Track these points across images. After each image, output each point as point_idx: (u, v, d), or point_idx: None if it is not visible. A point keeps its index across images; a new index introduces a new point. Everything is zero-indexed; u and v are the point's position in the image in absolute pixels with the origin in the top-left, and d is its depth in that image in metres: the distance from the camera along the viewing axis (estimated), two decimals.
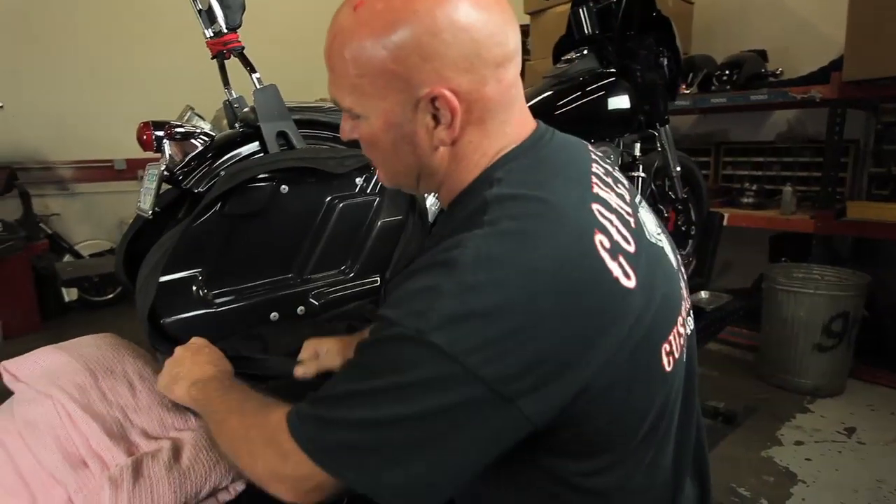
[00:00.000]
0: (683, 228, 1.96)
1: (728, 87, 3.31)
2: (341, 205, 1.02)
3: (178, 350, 0.90)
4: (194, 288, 0.90)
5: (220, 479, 0.94)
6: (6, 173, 3.70)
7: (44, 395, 0.98)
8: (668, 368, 0.62)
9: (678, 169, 1.86)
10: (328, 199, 1.01)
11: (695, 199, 2.06)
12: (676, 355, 0.64)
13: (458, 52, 0.55)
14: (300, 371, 0.91)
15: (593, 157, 0.70)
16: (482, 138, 0.61)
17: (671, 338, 0.63)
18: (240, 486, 0.97)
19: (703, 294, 2.02)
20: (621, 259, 0.57)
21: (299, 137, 1.03)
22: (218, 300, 0.92)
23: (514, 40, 0.60)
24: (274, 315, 0.97)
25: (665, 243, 0.70)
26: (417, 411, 0.51)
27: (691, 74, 3.55)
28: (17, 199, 3.75)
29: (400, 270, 1.09)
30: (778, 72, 3.36)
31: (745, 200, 3.39)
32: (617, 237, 0.58)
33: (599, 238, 0.56)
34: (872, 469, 2.12)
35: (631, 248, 0.59)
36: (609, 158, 0.76)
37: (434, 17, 0.54)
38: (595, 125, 1.58)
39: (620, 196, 0.65)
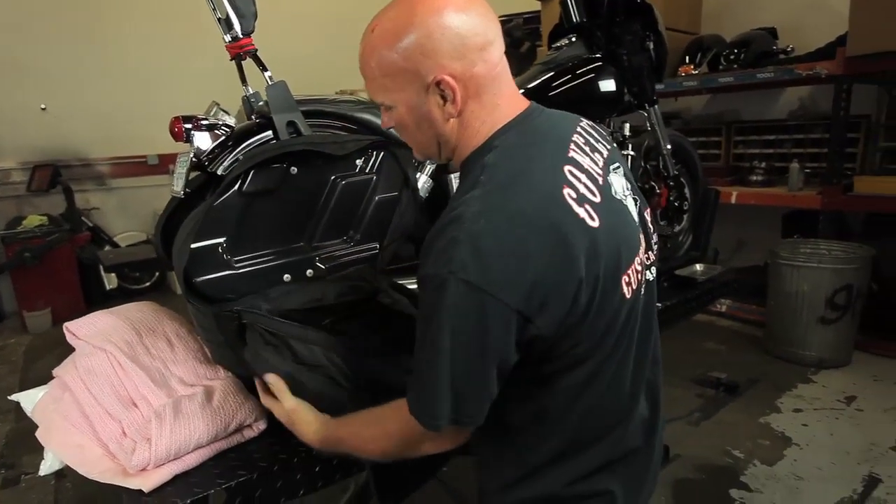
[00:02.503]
0: (677, 204, 2.05)
1: (735, 66, 3.34)
2: (343, 183, 1.17)
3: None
4: (219, 253, 1.07)
5: (245, 417, 1.12)
6: (51, 170, 3.98)
7: (99, 349, 1.17)
8: (627, 295, 0.79)
9: (668, 147, 1.95)
10: (332, 178, 1.16)
11: (689, 175, 2.14)
12: (633, 287, 0.81)
13: (449, 46, 0.73)
14: None
15: (579, 129, 0.86)
16: (480, 108, 0.78)
17: (629, 272, 0.80)
18: (262, 425, 1.15)
19: (698, 267, 2.11)
20: (587, 206, 0.74)
21: (306, 126, 1.18)
22: (239, 263, 1.09)
23: (493, 31, 0.77)
24: (286, 276, 1.13)
25: (629, 202, 0.86)
26: (475, 340, 0.69)
27: (699, 54, 3.59)
28: (60, 195, 4.04)
29: (396, 238, 1.24)
30: (789, 49, 3.34)
31: (754, 178, 3.42)
32: (584, 190, 0.75)
33: (567, 191, 0.73)
34: (867, 433, 2.20)
35: (596, 199, 0.76)
36: (603, 133, 0.92)
37: (427, 24, 0.73)
38: (582, 108, 1.67)
39: (594, 161, 0.82)
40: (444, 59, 0.73)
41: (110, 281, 4.23)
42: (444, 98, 0.76)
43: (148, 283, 4.48)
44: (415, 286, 1.38)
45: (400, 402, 0.79)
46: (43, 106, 4.15)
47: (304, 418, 0.98)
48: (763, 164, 3.46)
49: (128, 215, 4.60)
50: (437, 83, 0.74)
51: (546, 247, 0.69)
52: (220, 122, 1.19)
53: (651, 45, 1.78)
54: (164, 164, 4.56)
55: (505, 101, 0.80)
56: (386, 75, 0.76)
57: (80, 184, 4.29)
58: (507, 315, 0.68)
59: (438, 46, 0.73)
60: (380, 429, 0.85)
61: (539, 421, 0.81)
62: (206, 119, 1.17)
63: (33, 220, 3.88)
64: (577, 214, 0.72)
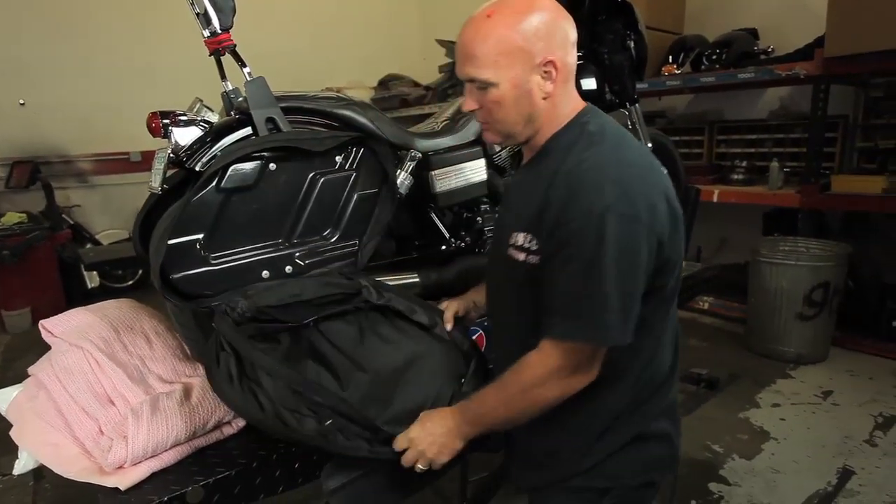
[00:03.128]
0: None
1: (717, 66, 3.38)
2: (322, 180, 1.18)
3: (416, 432, 0.97)
4: (197, 249, 1.07)
5: (224, 414, 1.12)
6: (30, 167, 3.91)
7: (75, 346, 1.15)
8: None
9: (649, 145, 1.96)
10: (311, 174, 1.16)
11: (670, 173, 2.15)
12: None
13: (558, 35, 0.89)
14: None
15: None
16: (564, 93, 0.94)
17: None
18: (242, 422, 1.15)
19: None
20: (663, 168, 0.94)
21: (285, 122, 1.18)
22: (216, 260, 1.08)
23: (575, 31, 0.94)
24: (265, 273, 1.13)
25: None
26: (632, 262, 0.83)
27: (682, 54, 3.63)
28: (40, 192, 3.96)
29: (375, 234, 1.25)
30: (769, 49, 3.39)
31: (736, 177, 3.46)
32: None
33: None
34: (842, 427, 2.25)
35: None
36: None
37: (544, 14, 0.87)
38: None
39: None
40: (552, 45, 0.88)
41: (92, 279, 4.17)
42: (544, 78, 0.89)
43: (131, 282, 4.43)
44: (397, 282, 1.39)
45: (540, 351, 0.89)
46: (22, 101, 4.08)
47: (434, 419, 0.98)
48: (744, 163, 3.51)
49: (110, 213, 4.53)
50: (545, 63, 0.88)
51: (661, 189, 0.87)
52: (199, 118, 1.18)
53: (632, 45, 1.80)
54: (148, 161, 4.40)
55: (574, 94, 0.96)
56: (501, 53, 0.87)
57: (60, 181, 4.23)
58: (652, 240, 0.84)
59: (551, 33, 0.88)
60: (528, 374, 0.90)
61: (635, 358, 0.93)
62: (184, 115, 1.16)
63: (12, 218, 3.81)
64: (663, 172, 0.92)
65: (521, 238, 0.94)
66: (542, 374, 0.89)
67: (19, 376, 1.23)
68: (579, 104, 0.96)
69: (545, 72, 0.89)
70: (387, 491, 1.03)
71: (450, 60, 4.59)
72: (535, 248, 0.92)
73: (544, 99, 0.91)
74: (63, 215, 4.12)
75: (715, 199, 3.30)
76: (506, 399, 0.93)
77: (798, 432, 2.23)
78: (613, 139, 0.91)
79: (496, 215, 1.10)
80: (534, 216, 0.91)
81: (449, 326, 1.18)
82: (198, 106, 1.21)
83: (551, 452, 1.00)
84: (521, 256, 0.94)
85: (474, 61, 0.89)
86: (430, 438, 0.96)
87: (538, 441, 1.01)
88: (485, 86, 0.90)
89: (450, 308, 1.21)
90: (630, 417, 0.96)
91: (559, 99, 0.93)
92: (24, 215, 3.88)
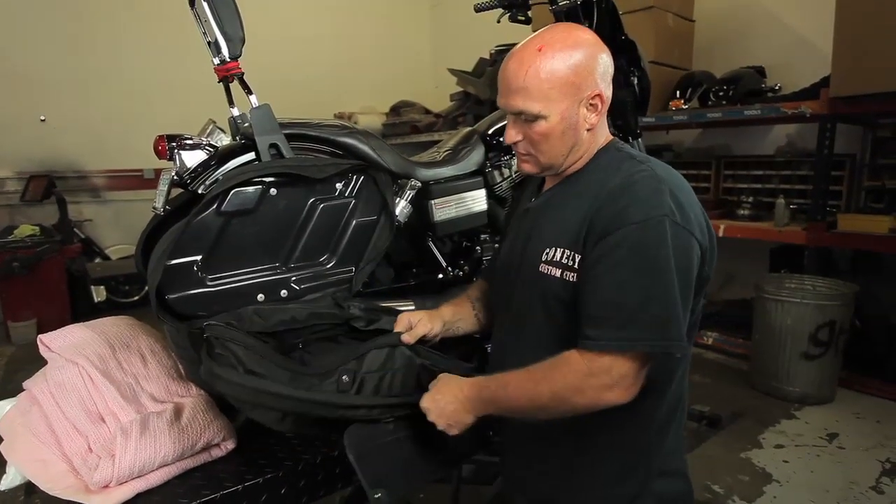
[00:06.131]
0: None
1: (724, 102, 3.41)
2: (322, 206, 1.20)
3: (428, 402, 0.99)
4: (194, 270, 1.09)
5: (213, 436, 1.12)
6: (45, 181, 4.00)
7: (71, 362, 1.16)
8: None
9: None
10: (310, 200, 1.19)
11: None
12: None
13: (603, 69, 0.93)
14: (407, 338, 1.11)
15: None
16: (602, 125, 0.99)
17: None
18: (231, 444, 1.15)
19: None
20: None
21: (288, 148, 1.21)
22: (213, 282, 1.10)
23: None
24: (260, 296, 1.15)
25: None
26: (687, 273, 0.85)
27: (690, 90, 3.67)
28: (54, 206, 4.05)
29: (371, 261, 1.26)
30: (777, 87, 3.43)
31: (742, 213, 3.46)
32: None
33: None
34: (847, 472, 2.18)
35: None
36: None
37: (591, 50, 0.92)
38: None
39: None
40: (598, 79, 0.92)
41: (98, 294, 4.20)
42: (589, 110, 0.94)
43: (137, 297, 4.44)
44: (396, 305, 1.40)
45: (583, 356, 0.85)
46: (42, 117, 4.20)
47: (444, 391, 0.99)
48: (751, 199, 3.51)
49: (122, 228, 4.60)
50: (594, 97, 0.92)
51: (699, 207, 0.91)
52: (204, 142, 1.22)
53: (635, 81, 1.82)
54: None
55: (606, 123, 1.02)
56: (553, 87, 0.90)
57: (74, 195, 4.31)
58: (698, 252, 0.88)
59: (597, 69, 0.92)
60: (564, 376, 0.86)
61: (666, 388, 0.94)
62: (189, 139, 1.19)
63: (25, 230, 3.88)
64: None
65: (557, 254, 0.93)
66: (579, 379, 0.84)
67: (20, 389, 1.24)
68: (609, 135, 1.02)
69: (591, 104, 0.93)
70: (411, 459, 1.02)
71: (461, 89, 4.67)
72: (573, 265, 0.90)
73: (588, 130, 0.95)
74: (75, 229, 4.19)
75: (721, 233, 3.29)
76: (531, 392, 0.89)
77: (801, 475, 2.17)
78: (658, 162, 0.94)
79: (512, 238, 1.09)
80: (576, 232, 0.91)
81: (409, 341, 1.10)
82: (210, 128, 1.25)
83: (571, 499, 0.99)
84: (557, 272, 0.93)
85: (524, 93, 0.91)
86: (438, 410, 0.97)
87: (556, 486, 1.00)
88: (533, 118, 0.92)
89: (420, 325, 1.12)
90: (651, 458, 0.96)
91: (599, 130, 0.98)
92: (36, 228, 3.95)
